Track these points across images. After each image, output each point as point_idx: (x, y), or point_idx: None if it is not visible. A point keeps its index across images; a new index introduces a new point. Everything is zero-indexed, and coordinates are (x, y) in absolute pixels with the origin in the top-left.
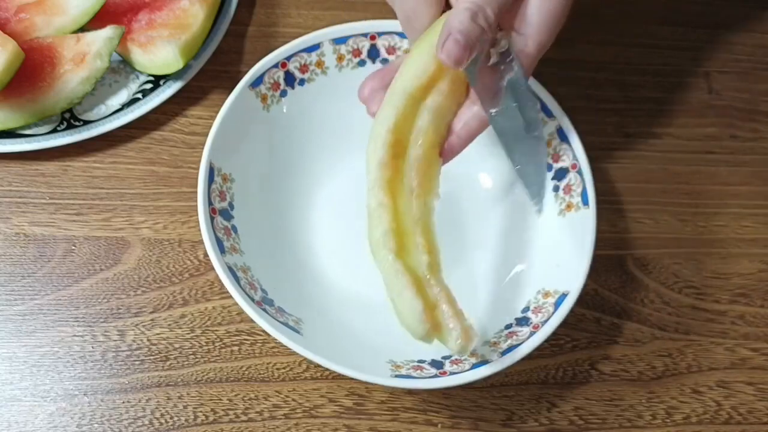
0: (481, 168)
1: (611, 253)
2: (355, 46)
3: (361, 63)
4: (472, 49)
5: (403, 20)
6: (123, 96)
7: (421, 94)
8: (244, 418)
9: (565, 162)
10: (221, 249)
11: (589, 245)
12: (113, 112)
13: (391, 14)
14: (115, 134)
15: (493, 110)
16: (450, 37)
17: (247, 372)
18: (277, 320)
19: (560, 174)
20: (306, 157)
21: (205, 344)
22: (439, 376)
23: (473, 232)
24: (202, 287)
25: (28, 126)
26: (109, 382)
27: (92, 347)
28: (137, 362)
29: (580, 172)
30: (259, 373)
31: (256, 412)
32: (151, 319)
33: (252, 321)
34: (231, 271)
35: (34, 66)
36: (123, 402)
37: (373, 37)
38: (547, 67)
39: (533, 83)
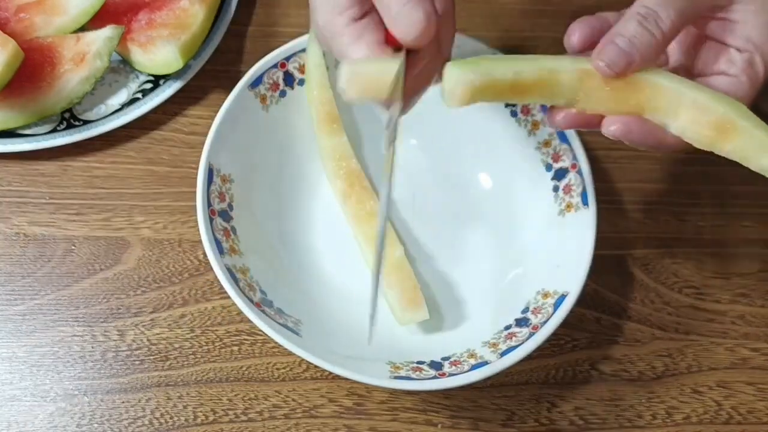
0: (481, 168)
1: (611, 253)
2: None
3: None
4: (636, 59)
5: None
6: (123, 96)
7: None
8: (244, 418)
9: (565, 162)
10: (220, 250)
11: (589, 245)
12: (113, 111)
13: None
14: (114, 134)
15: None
16: (611, 42)
17: (247, 372)
18: (276, 321)
19: (560, 174)
20: (306, 157)
21: (205, 344)
22: (438, 378)
23: (473, 233)
24: (201, 287)
25: (28, 126)
26: (109, 382)
27: (92, 347)
28: (137, 362)
29: (580, 172)
30: (259, 373)
31: (256, 412)
32: (151, 319)
33: (252, 321)
34: (230, 272)
35: (34, 66)
36: (123, 402)
37: None
38: None
39: None
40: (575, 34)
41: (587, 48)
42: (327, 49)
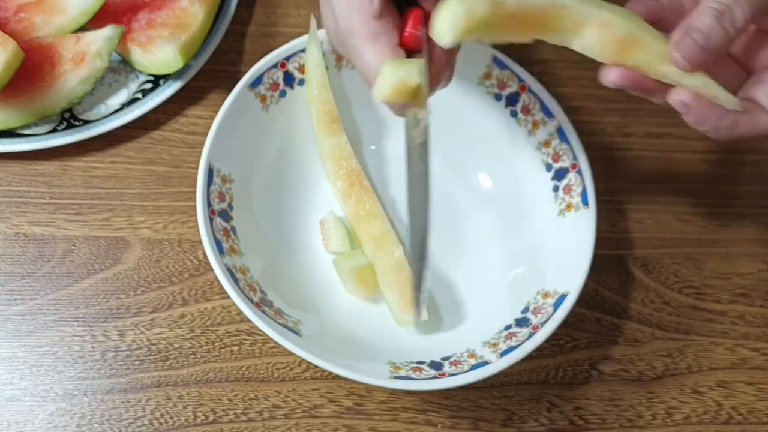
0: (481, 168)
1: (611, 253)
2: None
3: None
4: (711, 55)
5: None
6: (123, 96)
7: None
8: (243, 418)
9: (565, 162)
10: (220, 250)
11: (589, 245)
12: (113, 111)
13: None
14: (114, 134)
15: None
16: (688, 35)
17: (247, 372)
18: (276, 322)
19: (560, 174)
20: (306, 157)
21: (204, 344)
22: (438, 378)
23: (473, 233)
24: (201, 287)
25: (27, 126)
26: (108, 382)
27: (92, 347)
28: (137, 362)
29: (580, 172)
30: (259, 373)
31: (256, 412)
32: (151, 319)
33: (252, 321)
34: (230, 272)
35: (33, 66)
36: (123, 402)
37: None
38: (547, 68)
39: (534, 84)
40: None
41: None
42: (341, 49)
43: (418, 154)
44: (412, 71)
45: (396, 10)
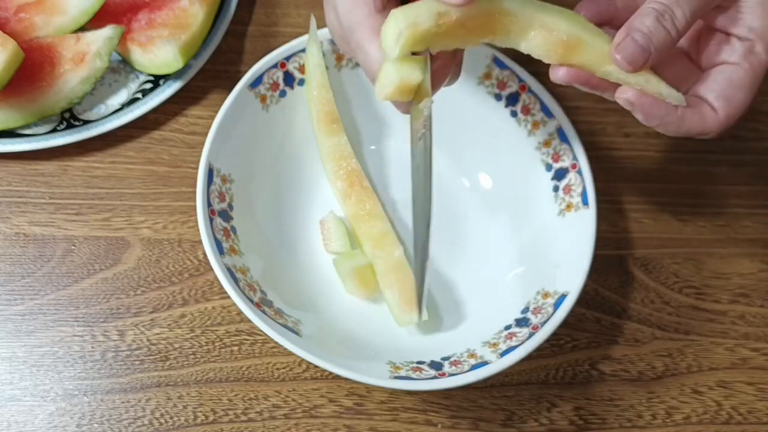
0: (481, 168)
1: (611, 253)
2: None
3: None
4: (652, 55)
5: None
6: (123, 96)
7: None
8: (243, 418)
9: (565, 162)
10: (220, 250)
11: (589, 246)
12: (113, 111)
13: None
14: (114, 134)
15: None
16: (628, 37)
17: (247, 372)
18: (276, 322)
19: (560, 174)
20: (306, 157)
21: (204, 344)
22: (438, 378)
23: (473, 233)
24: (201, 287)
25: (27, 126)
26: (108, 382)
27: (92, 347)
28: (137, 362)
29: (580, 172)
30: (259, 373)
31: (256, 412)
32: (151, 319)
33: (252, 321)
34: (230, 272)
35: (33, 66)
36: (123, 402)
37: None
38: (547, 68)
39: (534, 84)
40: (582, 12)
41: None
42: (343, 46)
43: (422, 147)
44: (415, 68)
45: (398, 4)
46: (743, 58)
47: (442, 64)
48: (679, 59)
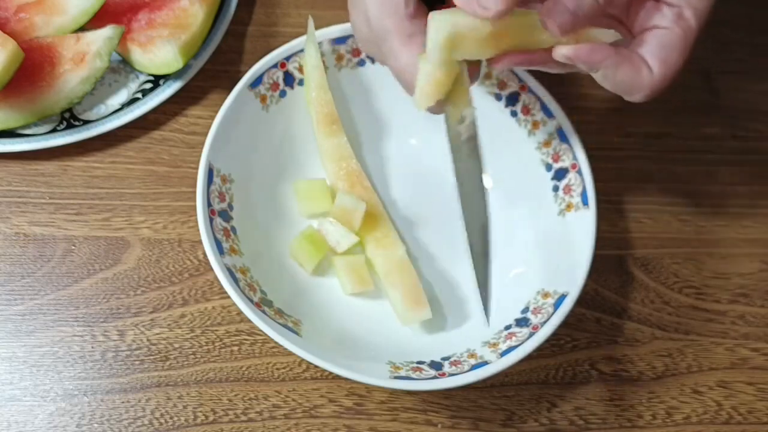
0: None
1: (611, 253)
2: (355, 46)
3: (361, 63)
4: (581, 19)
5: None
6: (123, 96)
7: None
8: (243, 418)
9: (565, 162)
10: (220, 250)
11: (589, 246)
12: (113, 111)
13: None
14: (114, 134)
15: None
16: (559, 3)
17: (247, 372)
18: (276, 322)
19: (560, 174)
20: (306, 157)
21: (204, 344)
22: (438, 378)
23: None
24: (201, 287)
25: (27, 126)
26: (108, 382)
27: (92, 347)
28: (137, 362)
29: (580, 172)
30: (259, 373)
31: (256, 412)
32: (151, 319)
33: (252, 321)
34: (230, 272)
35: (33, 66)
36: (123, 402)
37: None
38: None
39: (534, 84)
40: None
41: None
42: (372, 52)
43: (467, 151)
44: (454, 68)
45: (427, 9)
46: (674, 22)
47: (470, 69)
48: (612, 26)
